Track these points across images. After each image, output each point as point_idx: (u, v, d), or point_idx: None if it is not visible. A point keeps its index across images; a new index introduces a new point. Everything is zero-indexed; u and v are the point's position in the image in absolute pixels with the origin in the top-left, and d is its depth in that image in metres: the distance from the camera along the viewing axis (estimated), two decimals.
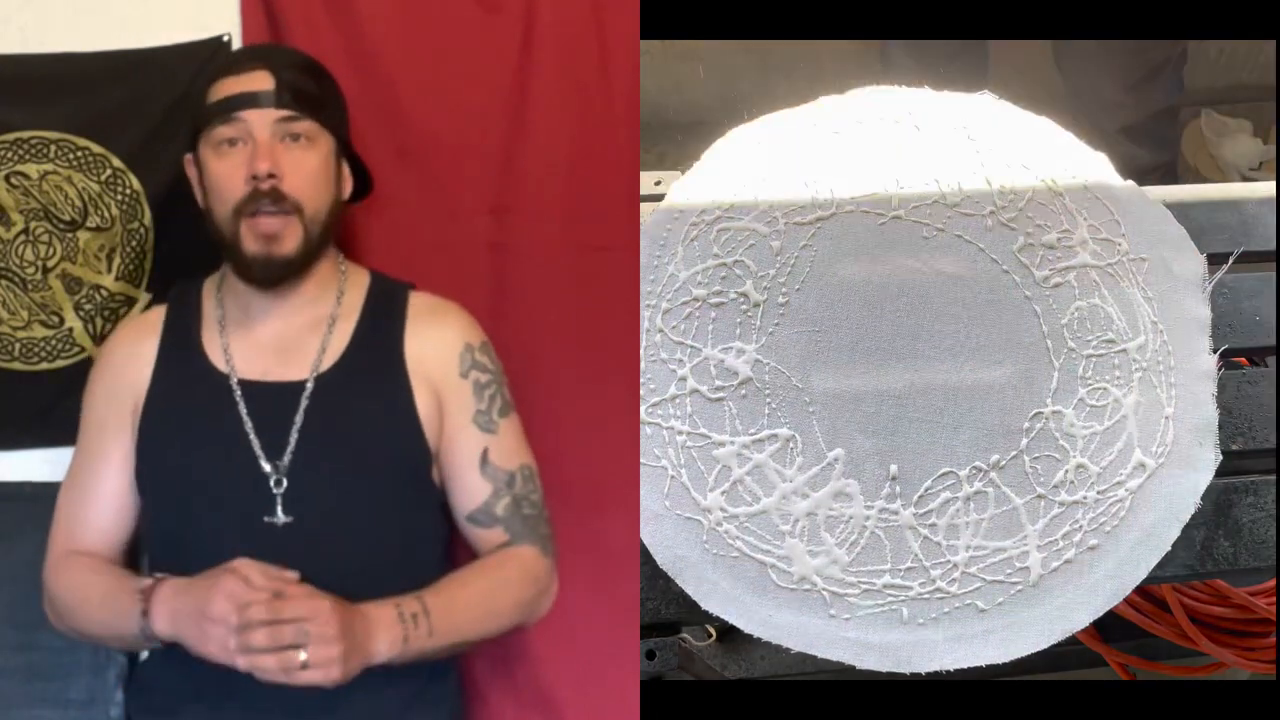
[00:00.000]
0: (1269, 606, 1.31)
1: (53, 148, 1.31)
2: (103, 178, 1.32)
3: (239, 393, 1.12)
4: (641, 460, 1.02)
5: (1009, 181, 1.11)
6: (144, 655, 1.20)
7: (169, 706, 1.10)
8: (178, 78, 1.26)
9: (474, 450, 1.14)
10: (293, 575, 1.02)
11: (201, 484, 1.10)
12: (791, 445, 1.02)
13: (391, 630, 1.02)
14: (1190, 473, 1.01)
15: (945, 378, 1.04)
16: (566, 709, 1.26)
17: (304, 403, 1.11)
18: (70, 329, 1.31)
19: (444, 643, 1.06)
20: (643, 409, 1.03)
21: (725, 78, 2.44)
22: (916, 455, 1.02)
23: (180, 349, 1.16)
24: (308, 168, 1.12)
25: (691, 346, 1.05)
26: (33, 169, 1.31)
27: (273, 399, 1.12)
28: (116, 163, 1.32)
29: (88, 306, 1.31)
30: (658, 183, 1.17)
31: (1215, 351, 1.06)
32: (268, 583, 1.00)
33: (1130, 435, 1.03)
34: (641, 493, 1.01)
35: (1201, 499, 1.01)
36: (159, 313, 1.19)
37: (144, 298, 1.32)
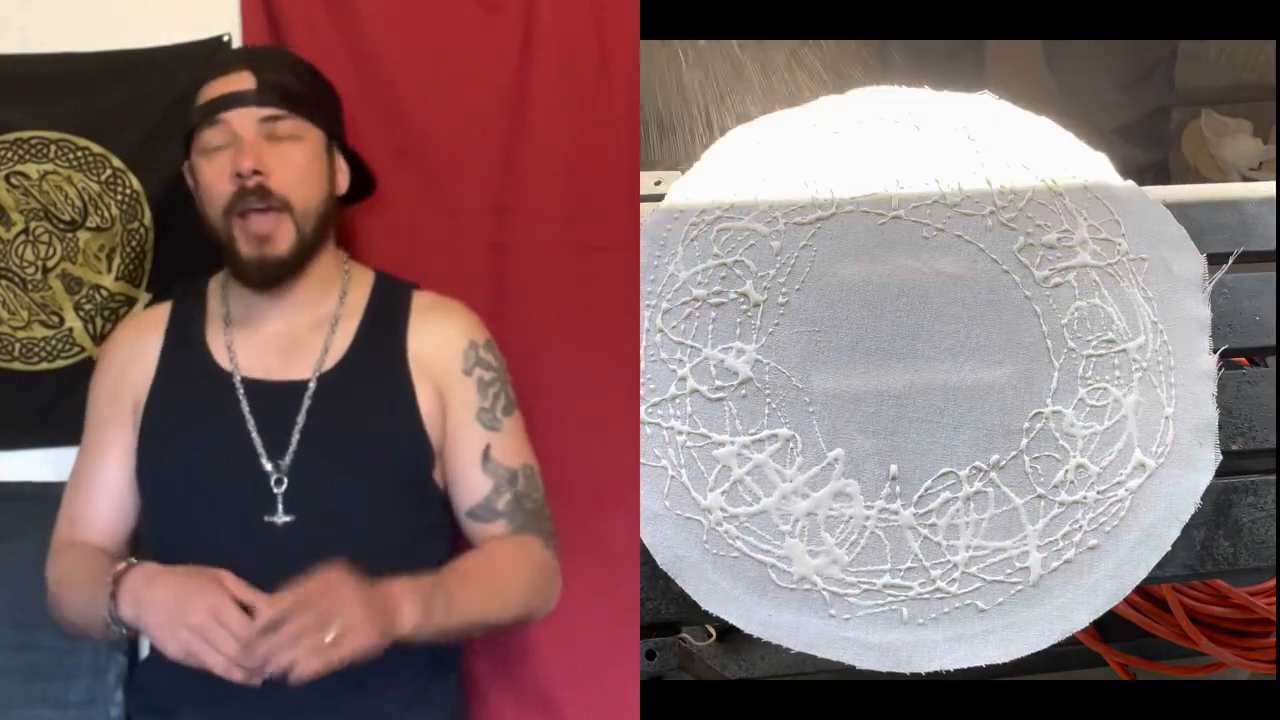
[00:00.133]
0: (1269, 606, 1.31)
1: (53, 148, 1.31)
2: (103, 178, 1.32)
3: (242, 391, 1.12)
4: (641, 460, 1.02)
5: (1009, 181, 1.11)
6: (144, 655, 1.20)
7: (168, 706, 1.10)
8: (178, 78, 1.26)
9: (476, 447, 1.14)
10: (273, 611, 1.00)
11: (202, 482, 1.10)
12: (791, 445, 1.02)
13: (414, 599, 1.00)
14: (1190, 473, 1.01)
15: (945, 378, 1.04)
16: (566, 709, 1.26)
17: (306, 402, 1.11)
18: (70, 329, 1.31)
19: (461, 620, 1.04)
20: (643, 409, 1.03)
21: (725, 78, 2.44)
22: (916, 455, 1.02)
23: (184, 346, 1.16)
24: (295, 164, 1.12)
25: (691, 346, 1.05)
26: (33, 169, 1.31)
27: (275, 398, 1.12)
28: (116, 163, 1.32)
29: (88, 306, 1.31)
30: (658, 183, 1.17)
31: (1215, 351, 1.06)
32: (252, 603, 0.99)
33: (1130, 435, 1.03)
34: (641, 493, 1.01)
35: (1201, 499, 1.01)
36: (164, 309, 1.20)
37: (144, 298, 1.32)
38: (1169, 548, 0.99)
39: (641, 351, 1.05)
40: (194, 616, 0.96)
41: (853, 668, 0.96)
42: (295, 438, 1.10)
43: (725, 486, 1.01)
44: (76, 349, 1.31)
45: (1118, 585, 0.98)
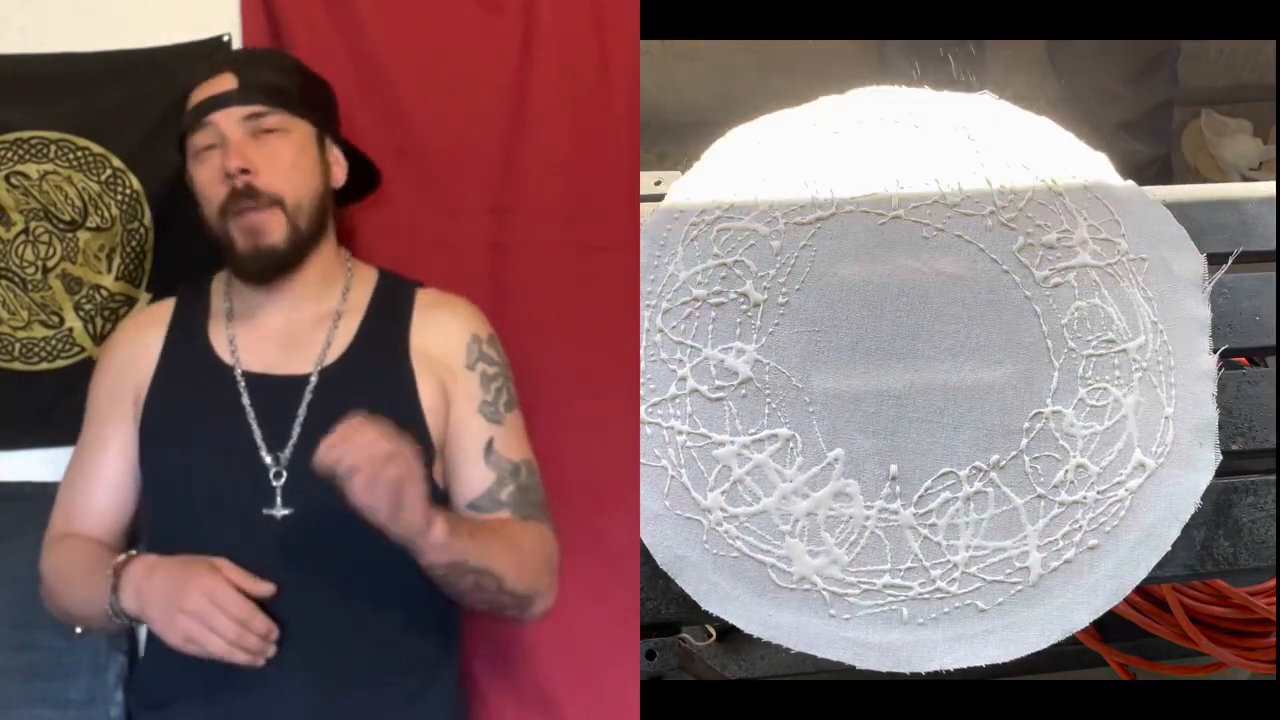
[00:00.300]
0: (1269, 606, 1.31)
1: (53, 148, 1.31)
2: (103, 178, 1.32)
3: (243, 384, 1.12)
4: (641, 460, 1.02)
5: (1009, 181, 1.11)
6: (143, 652, 1.20)
7: (165, 700, 1.10)
8: (178, 78, 1.26)
9: (479, 439, 1.14)
10: (269, 588, 1.02)
11: (201, 474, 1.11)
12: (791, 445, 1.02)
13: (441, 514, 1.00)
14: (1190, 473, 1.02)
15: (945, 378, 1.04)
16: (566, 709, 1.26)
17: (307, 396, 1.12)
18: (70, 329, 1.31)
19: (479, 561, 1.03)
20: (643, 409, 1.03)
21: (725, 77, 2.44)
22: (916, 455, 1.02)
23: (186, 341, 1.16)
24: (283, 158, 1.13)
25: (691, 346, 1.05)
26: (33, 169, 1.31)
27: (276, 391, 1.12)
28: (116, 163, 1.32)
29: (88, 306, 1.31)
30: (658, 183, 1.17)
31: (1215, 351, 1.06)
32: (249, 588, 1.01)
33: (1130, 435, 1.03)
34: (641, 493, 1.01)
35: (1201, 499, 1.01)
36: (167, 306, 1.20)
37: (144, 298, 1.32)
38: (1169, 548, 0.99)
39: (641, 351, 1.05)
40: (191, 602, 0.98)
41: (853, 668, 0.96)
42: (296, 431, 1.10)
43: (725, 486, 1.01)
44: (76, 349, 1.31)
45: (1118, 585, 0.98)
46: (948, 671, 0.96)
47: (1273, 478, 1.06)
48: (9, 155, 1.31)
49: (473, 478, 1.13)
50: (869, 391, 1.04)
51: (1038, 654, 0.96)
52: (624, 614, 1.09)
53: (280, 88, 1.15)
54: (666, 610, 1.02)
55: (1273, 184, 1.22)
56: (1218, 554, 1.05)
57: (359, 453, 0.94)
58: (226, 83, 1.13)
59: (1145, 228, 1.10)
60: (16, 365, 1.30)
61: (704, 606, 0.98)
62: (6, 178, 1.31)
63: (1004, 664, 0.96)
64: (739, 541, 0.99)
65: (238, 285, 1.17)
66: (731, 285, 1.07)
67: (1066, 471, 1.02)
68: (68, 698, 1.24)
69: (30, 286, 1.31)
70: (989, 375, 1.05)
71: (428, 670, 1.13)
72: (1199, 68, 2.57)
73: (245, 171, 1.10)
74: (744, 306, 1.06)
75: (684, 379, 1.04)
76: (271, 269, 1.13)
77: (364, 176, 1.25)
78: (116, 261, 1.32)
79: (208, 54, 1.31)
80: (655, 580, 1.00)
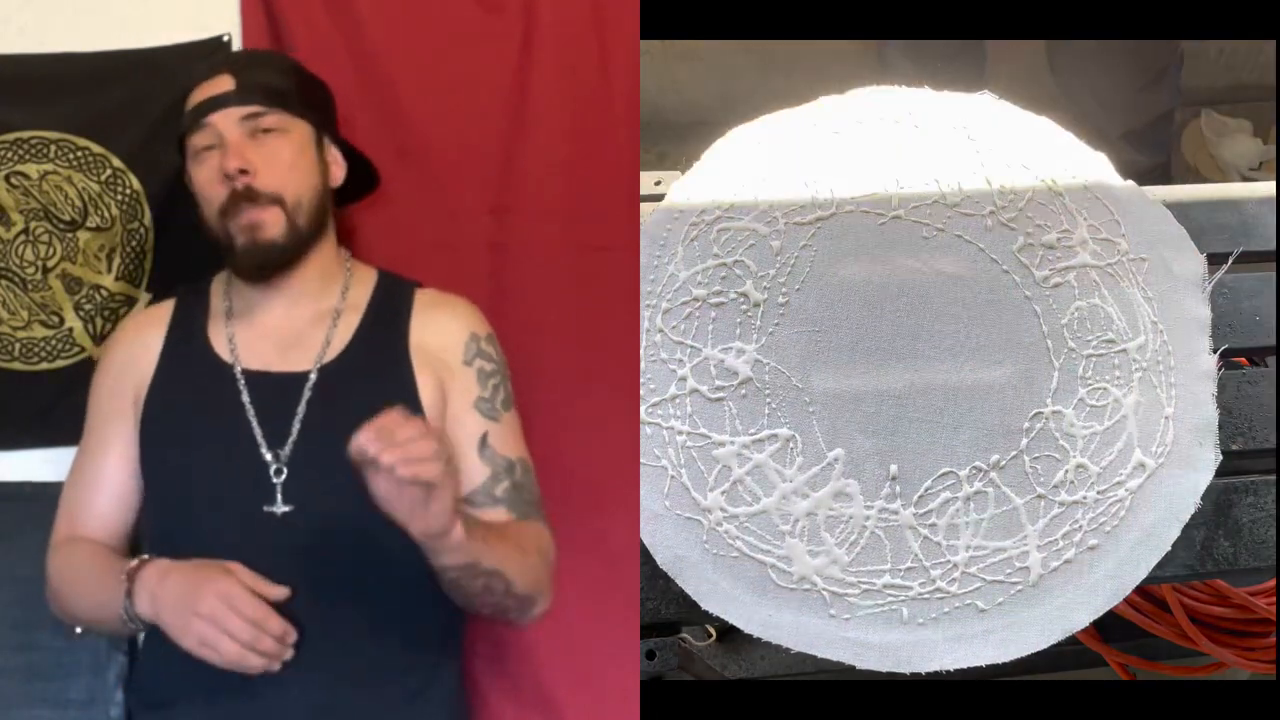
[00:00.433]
0: (1269, 606, 1.31)
1: (53, 148, 1.31)
2: (103, 178, 1.32)
3: (242, 382, 1.13)
4: (641, 460, 1.02)
5: (1009, 181, 1.11)
6: (143, 652, 1.20)
7: (166, 700, 1.10)
8: (178, 78, 1.26)
9: (474, 434, 1.13)
10: (283, 592, 1.02)
11: (202, 472, 1.11)
12: (791, 445, 1.02)
13: (458, 515, 0.99)
14: (1190, 473, 1.01)
15: (945, 378, 1.04)
16: (566, 709, 1.26)
17: (307, 393, 1.12)
18: (70, 329, 1.31)
19: (490, 562, 1.03)
20: (643, 409, 1.03)
21: (725, 78, 2.44)
22: (916, 455, 1.02)
23: (185, 341, 1.16)
24: (282, 158, 1.13)
25: (691, 346, 1.05)
26: (33, 169, 1.31)
27: (276, 389, 1.12)
28: (116, 163, 1.32)
29: (88, 306, 1.31)
30: (658, 183, 1.17)
31: (1215, 351, 1.06)
32: (263, 591, 1.00)
33: (1130, 435, 1.03)
34: (641, 493, 1.01)
35: (1201, 499, 1.01)
36: (167, 306, 1.20)
37: (144, 298, 1.32)
38: (1169, 548, 0.99)
39: (641, 351, 1.05)
40: (205, 605, 0.97)
41: (853, 668, 0.96)
42: (295, 428, 1.10)
43: (725, 486, 1.01)
44: (76, 349, 1.31)
45: (1118, 585, 0.98)
46: (948, 671, 0.96)
47: (1273, 478, 1.06)
48: (9, 155, 1.31)
49: (468, 472, 1.12)
50: (869, 391, 1.04)
51: (1038, 654, 0.96)
52: (624, 614, 1.09)
53: (278, 88, 1.15)
54: (666, 610, 1.02)
55: (1273, 184, 1.22)
56: (1218, 554, 1.04)
57: (399, 450, 0.92)
58: (224, 84, 1.13)
59: (1145, 228, 1.10)
60: (16, 365, 1.30)
61: (704, 606, 0.98)
62: (6, 178, 1.31)
63: (1004, 664, 0.96)
64: (739, 541, 0.99)
65: (237, 284, 1.17)
66: (731, 285, 1.07)
67: (1066, 471, 1.02)
68: (68, 698, 1.24)
69: (30, 286, 1.31)
70: (989, 375, 1.05)
71: (429, 668, 1.13)
72: (1199, 68, 2.57)
73: (244, 172, 1.11)
74: (744, 306, 1.06)
75: (684, 379, 1.04)
76: (270, 265, 1.13)
77: (363, 177, 1.25)
78: (116, 261, 1.32)
79: (207, 54, 1.31)
80: (655, 580, 1.00)
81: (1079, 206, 1.10)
